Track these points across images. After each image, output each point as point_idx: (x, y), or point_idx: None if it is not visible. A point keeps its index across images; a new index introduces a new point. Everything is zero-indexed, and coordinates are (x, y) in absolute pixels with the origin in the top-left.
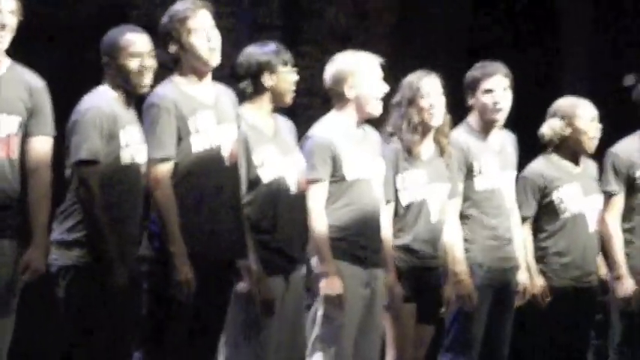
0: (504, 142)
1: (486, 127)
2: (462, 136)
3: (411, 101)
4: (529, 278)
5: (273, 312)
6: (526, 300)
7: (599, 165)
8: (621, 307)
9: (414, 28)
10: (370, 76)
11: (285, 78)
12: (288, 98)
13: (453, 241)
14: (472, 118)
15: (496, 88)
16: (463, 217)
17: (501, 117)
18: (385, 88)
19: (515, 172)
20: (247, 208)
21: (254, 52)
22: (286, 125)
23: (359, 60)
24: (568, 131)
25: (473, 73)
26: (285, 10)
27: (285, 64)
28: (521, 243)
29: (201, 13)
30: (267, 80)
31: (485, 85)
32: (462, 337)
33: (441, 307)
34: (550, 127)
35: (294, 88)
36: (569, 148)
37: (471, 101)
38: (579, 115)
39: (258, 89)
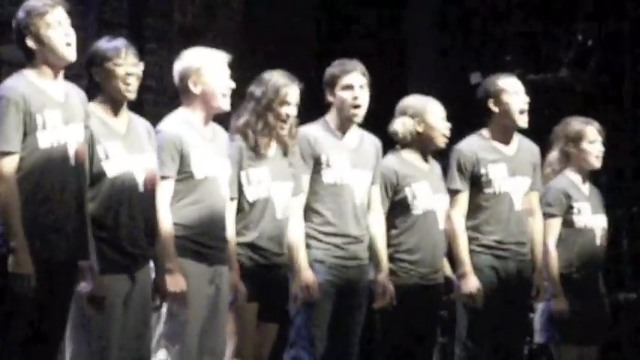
0: (364, 141)
1: (343, 124)
2: (312, 130)
3: (271, 106)
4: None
5: (103, 309)
6: (387, 301)
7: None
8: (466, 304)
9: (262, 25)
10: (215, 72)
11: (114, 72)
12: (124, 93)
13: (297, 238)
14: (330, 116)
15: (355, 84)
16: (308, 210)
17: (360, 113)
18: (231, 84)
19: (371, 172)
20: (91, 204)
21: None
22: (141, 125)
23: (204, 56)
24: (420, 128)
25: (332, 70)
26: (132, 9)
27: (110, 59)
28: (382, 242)
29: (58, 9)
30: (97, 76)
31: (345, 81)
32: (306, 333)
33: (285, 305)
34: (402, 125)
35: (131, 82)
36: (420, 145)
37: (330, 98)
38: (430, 111)
39: (96, 85)
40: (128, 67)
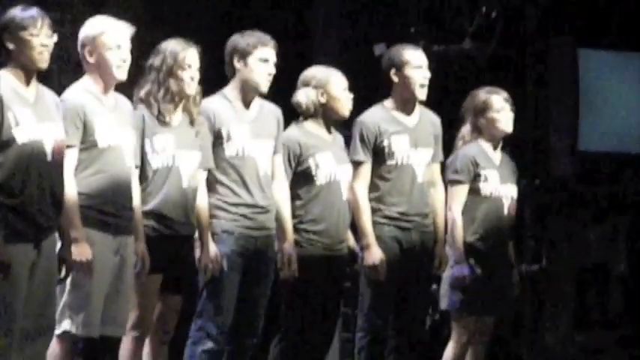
0: (263, 111)
1: (247, 96)
2: (212, 104)
3: (171, 71)
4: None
5: (7, 278)
6: (292, 271)
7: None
8: (369, 275)
9: None
10: (110, 43)
11: (30, 42)
12: (37, 64)
13: (203, 210)
14: (232, 86)
15: (271, 59)
16: (214, 182)
17: (266, 86)
18: (126, 55)
19: (273, 142)
20: None
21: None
22: (50, 95)
23: (101, 26)
24: (323, 99)
25: (246, 39)
26: None
27: (25, 28)
28: (287, 211)
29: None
30: (9, 44)
31: (261, 54)
32: (213, 304)
33: (190, 276)
34: (306, 96)
35: (44, 53)
36: (323, 115)
37: (238, 66)
38: (333, 82)
39: (8, 53)
40: (43, 38)
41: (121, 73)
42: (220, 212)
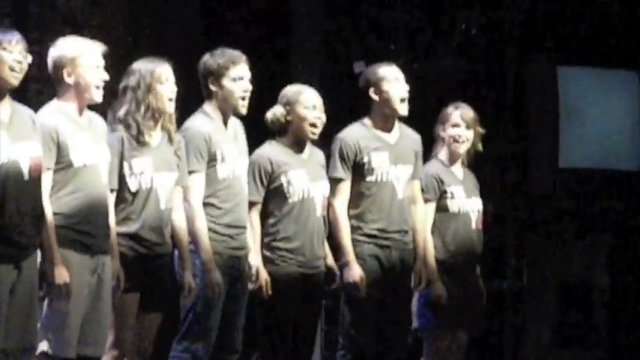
0: (237, 129)
1: (226, 115)
2: (204, 125)
3: (150, 87)
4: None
5: None
6: (258, 285)
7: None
8: (349, 293)
9: (147, 12)
10: (90, 64)
11: (2, 57)
12: (9, 80)
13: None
14: (211, 106)
15: (245, 76)
16: (206, 205)
17: (246, 105)
18: (105, 76)
19: (246, 160)
20: None
21: None
22: (25, 114)
23: (78, 47)
24: (289, 117)
25: (218, 60)
26: None
27: None
28: (253, 229)
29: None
30: None
31: (235, 72)
32: (199, 325)
33: (170, 295)
34: (272, 113)
35: (17, 70)
36: (291, 134)
37: (213, 88)
38: (301, 101)
39: None
40: (16, 55)
41: (99, 94)
42: (211, 234)
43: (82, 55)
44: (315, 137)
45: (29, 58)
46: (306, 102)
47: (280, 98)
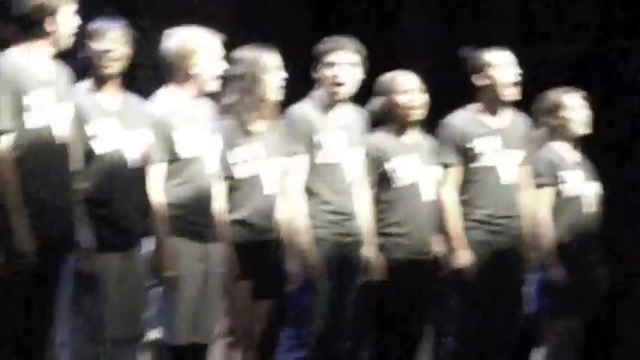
0: (351, 117)
1: (329, 102)
2: (303, 109)
3: (256, 77)
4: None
5: (96, 288)
6: (371, 276)
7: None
8: (459, 279)
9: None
10: (212, 55)
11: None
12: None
13: (292, 213)
14: (317, 92)
15: (340, 61)
16: (305, 191)
17: (343, 91)
18: (224, 65)
19: (361, 148)
20: (84, 182)
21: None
22: (136, 103)
23: (202, 38)
24: (390, 106)
25: (320, 46)
26: None
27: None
28: (367, 218)
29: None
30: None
31: (329, 58)
32: (304, 311)
33: (279, 282)
34: (373, 104)
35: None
36: (395, 121)
37: (315, 74)
38: (394, 87)
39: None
40: (107, 44)
41: (217, 85)
42: (312, 220)
43: (207, 47)
44: (418, 118)
45: (127, 47)
46: (401, 87)
47: (377, 88)
